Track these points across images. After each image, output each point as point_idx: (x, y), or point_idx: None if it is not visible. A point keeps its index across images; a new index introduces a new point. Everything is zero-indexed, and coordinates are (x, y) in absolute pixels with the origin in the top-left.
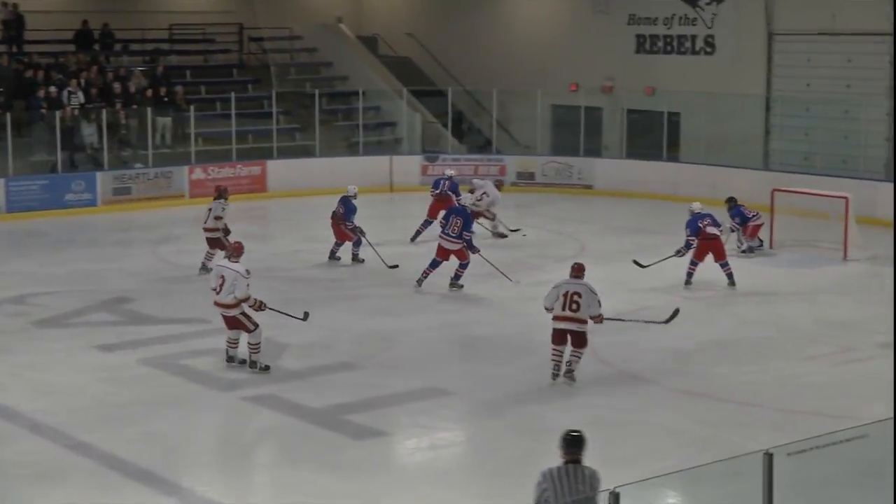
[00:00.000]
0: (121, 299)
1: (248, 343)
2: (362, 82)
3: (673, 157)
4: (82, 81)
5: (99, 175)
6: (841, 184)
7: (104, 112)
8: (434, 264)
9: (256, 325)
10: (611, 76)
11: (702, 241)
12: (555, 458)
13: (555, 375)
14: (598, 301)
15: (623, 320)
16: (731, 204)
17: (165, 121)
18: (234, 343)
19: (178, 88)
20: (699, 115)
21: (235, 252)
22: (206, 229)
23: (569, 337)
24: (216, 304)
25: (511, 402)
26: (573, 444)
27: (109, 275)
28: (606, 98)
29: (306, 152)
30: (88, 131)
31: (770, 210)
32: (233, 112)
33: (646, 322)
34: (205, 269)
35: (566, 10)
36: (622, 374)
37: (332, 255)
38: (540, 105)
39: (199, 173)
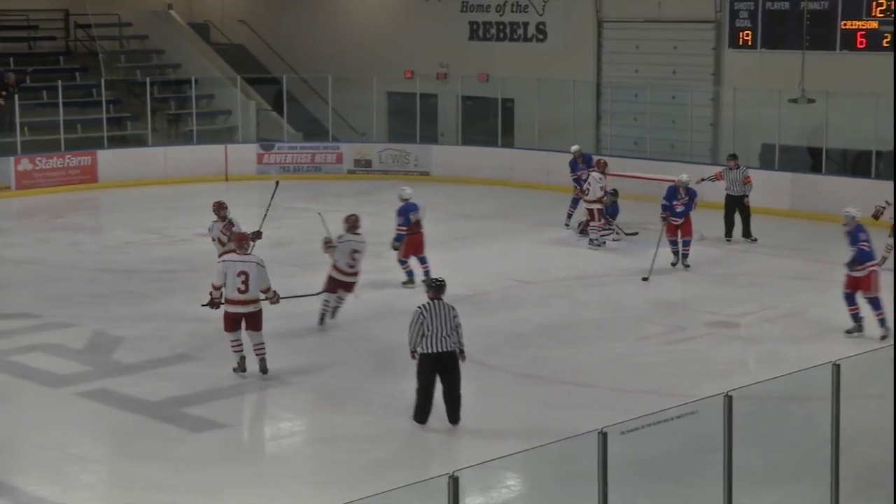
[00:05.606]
0: None
1: (260, 344)
2: (195, 70)
3: (507, 143)
4: None
5: None
6: (669, 167)
7: None
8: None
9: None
10: (445, 63)
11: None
12: (397, 444)
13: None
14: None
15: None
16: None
17: None
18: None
19: (11, 76)
20: (532, 101)
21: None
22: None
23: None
24: (237, 302)
25: (351, 390)
26: (439, 288)
27: None
28: (441, 85)
29: (138, 141)
30: None
31: None
32: (60, 100)
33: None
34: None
35: None
36: None
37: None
38: (375, 92)
39: (25, 164)
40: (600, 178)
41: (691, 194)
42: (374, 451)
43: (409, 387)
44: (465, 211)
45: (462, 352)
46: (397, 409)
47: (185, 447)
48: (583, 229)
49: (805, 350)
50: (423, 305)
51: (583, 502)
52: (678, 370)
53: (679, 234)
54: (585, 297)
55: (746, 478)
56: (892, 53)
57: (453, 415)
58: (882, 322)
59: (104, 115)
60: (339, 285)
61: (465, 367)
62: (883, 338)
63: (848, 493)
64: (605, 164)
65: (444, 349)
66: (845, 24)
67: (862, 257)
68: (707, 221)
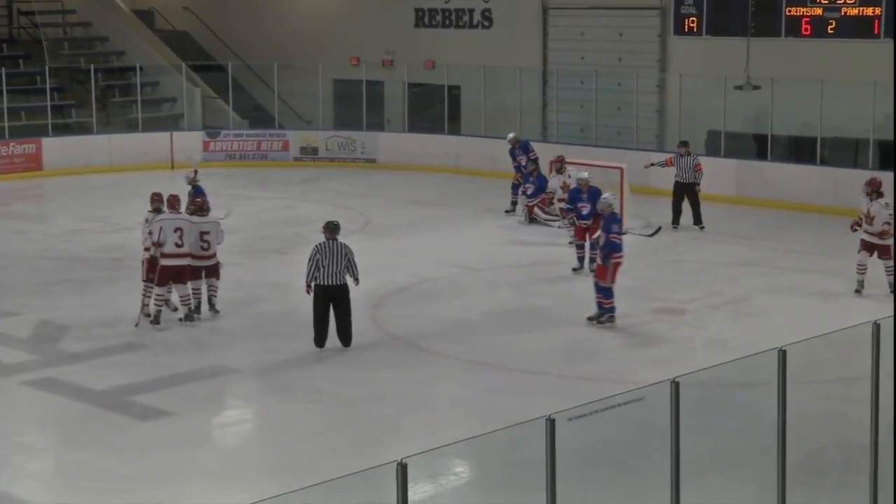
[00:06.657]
0: None
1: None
2: (140, 57)
3: (454, 130)
4: None
5: None
6: (616, 154)
7: None
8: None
9: None
10: (391, 50)
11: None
12: (345, 431)
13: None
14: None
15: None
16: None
17: None
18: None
19: None
20: (478, 88)
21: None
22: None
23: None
24: (173, 255)
25: (298, 378)
26: (334, 229)
27: None
28: (387, 72)
29: (83, 129)
30: None
31: None
32: (3, 88)
33: None
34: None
35: None
36: (407, 346)
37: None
38: (321, 79)
39: None
40: (555, 178)
41: (593, 194)
42: (322, 438)
43: (357, 376)
44: (412, 198)
45: (357, 279)
46: (344, 396)
47: (132, 436)
48: (530, 218)
49: (751, 336)
50: (319, 244)
51: (531, 489)
52: (625, 357)
53: (588, 238)
54: (532, 284)
55: (693, 463)
56: (892, 42)
57: (344, 338)
58: (600, 307)
59: (48, 103)
60: (195, 271)
61: (411, 354)
62: (591, 319)
63: (794, 478)
64: (562, 158)
65: (336, 283)
66: (790, 11)
67: (611, 248)
68: (655, 208)
